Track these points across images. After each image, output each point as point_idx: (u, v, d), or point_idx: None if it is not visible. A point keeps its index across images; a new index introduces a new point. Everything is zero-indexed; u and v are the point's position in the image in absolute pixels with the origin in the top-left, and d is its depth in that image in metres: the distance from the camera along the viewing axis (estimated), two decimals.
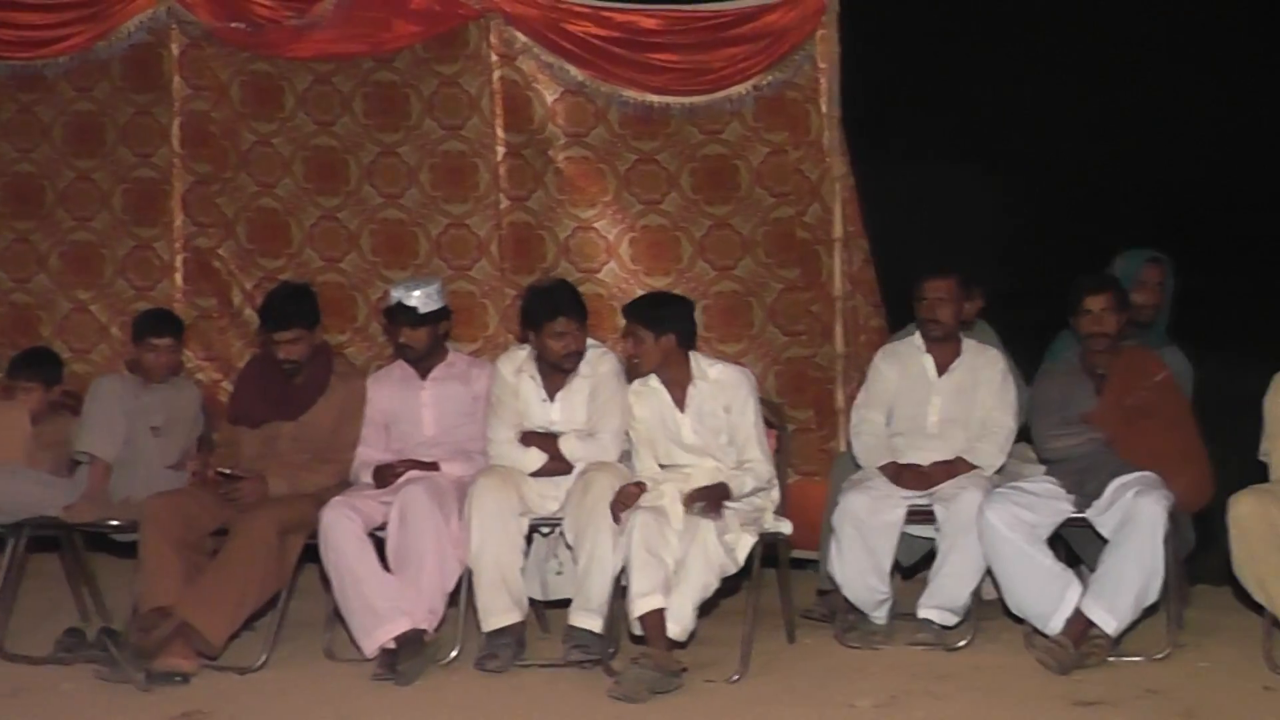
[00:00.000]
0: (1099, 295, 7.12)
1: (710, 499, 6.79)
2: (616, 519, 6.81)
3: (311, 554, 7.17)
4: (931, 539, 7.26)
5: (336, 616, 7.11)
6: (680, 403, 7.11)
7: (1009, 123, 16.86)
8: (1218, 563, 7.17)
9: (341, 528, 6.96)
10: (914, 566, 7.62)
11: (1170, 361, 7.30)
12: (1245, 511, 6.73)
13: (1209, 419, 7.28)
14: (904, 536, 7.28)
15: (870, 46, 8.38)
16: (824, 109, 8.09)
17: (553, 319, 7.12)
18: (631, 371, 7.24)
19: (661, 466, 7.14)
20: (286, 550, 7.11)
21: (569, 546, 7.06)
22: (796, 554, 7.61)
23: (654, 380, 7.13)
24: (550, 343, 7.14)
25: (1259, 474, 7.05)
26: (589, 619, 6.86)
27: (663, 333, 7.01)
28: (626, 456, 7.22)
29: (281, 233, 8.51)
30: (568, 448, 7.18)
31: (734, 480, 6.92)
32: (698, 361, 7.13)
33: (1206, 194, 17.42)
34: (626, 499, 6.85)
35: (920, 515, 7.19)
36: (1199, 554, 7.43)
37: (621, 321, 7.50)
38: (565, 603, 7.11)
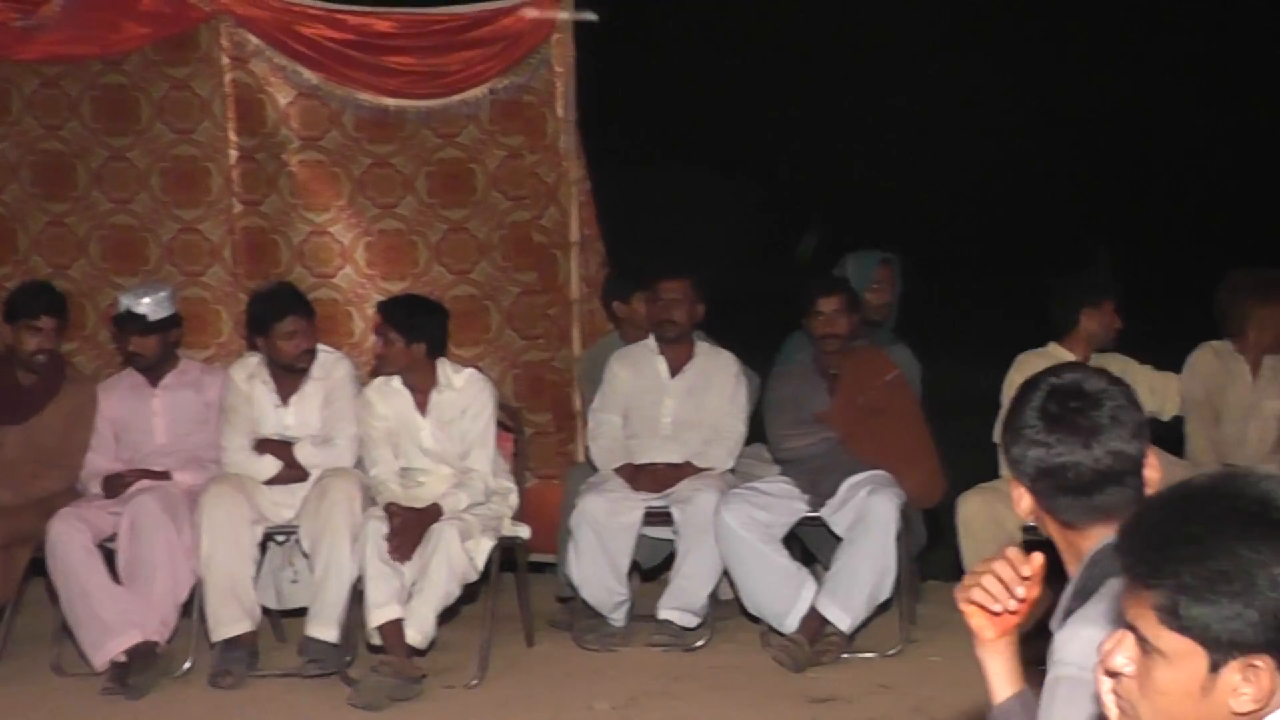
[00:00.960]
0: (831, 297, 7.22)
1: (406, 542, 6.74)
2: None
3: (39, 567, 6.97)
4: (672, 540, 7.30)
5: (65, 630, 6.92)
6: (422, 407, 7.06)
7: (744, 127, 17.10)
8: (948, 559, 7.35)
9: (69, 539, 6.77)
10: (656, 569, 7.67)
11: (899, 360, 7.45)
12: (973, 510, 6.91)
13: (939, 417, 7.45)
14: (645, 539, 7.32)
15: (606, 51, 8.41)
16: (560, 113, 8.09)
17: (280, 319, 7.03)
18: (375, 367, 7.19)
19: (401, 470, 7.08)
20: (12, 562, 6.90)
21: (305, 555, 6.96)
22: (536, 558, 7.62)
23: (396, 382, 7.07)
24: (281, 344, 7.05)
25: (989, 471, 7.23)
26: (326, 629, 6.78)
27: (415, 340, 6.96)
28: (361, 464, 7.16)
29: (8, 239, 8.23)
30: (303, 455, 7.08)
31: (448, 499, 6.88)
32: (444, 369, 7.09)
33: (933, 196, 17.87)
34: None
35: (659, 517, 7.24)
36: (930, 550, 7.61)
37: (358, 326, 7.41)
38: (301, 611, 7.01)
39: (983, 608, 2.81)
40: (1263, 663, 2.18)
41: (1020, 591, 2.75)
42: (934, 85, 18.07)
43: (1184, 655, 2.21)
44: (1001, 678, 2.86)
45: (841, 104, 17.91)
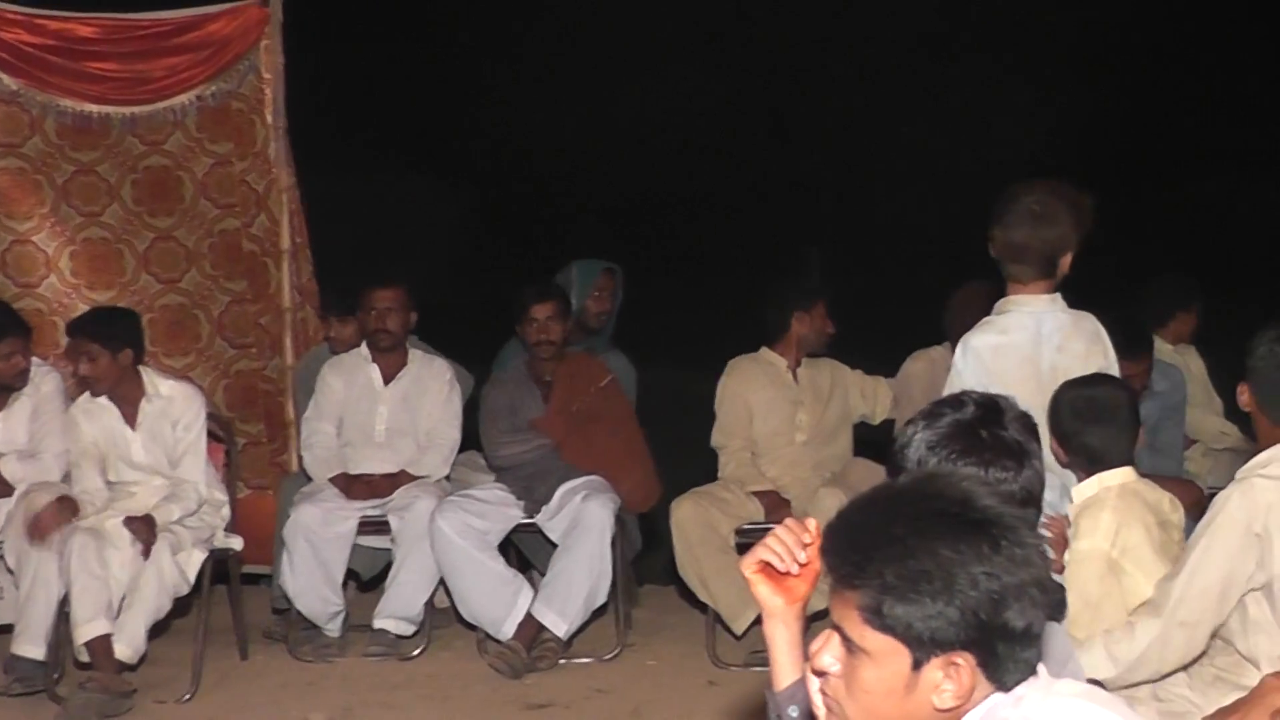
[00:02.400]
0: (545, 304, 7.25)
1: (144, 533, 6.65)
2: (35, 540, 6.57)
3: None
4: (390, 549, 7.27)
5: None
6: (131, 420, 6.91)
7: (462, 135, 17.06)
8: (663, 563, 7.44)
9: None
10: (375, 578, 7.62)
11: (615, 367, 7.52)
12: (686, 514, 7.00)
13: (652, 422, 7.54)
14: (363, 549, 7.28)
15: (317, 57, 8.34)
16: (269, 120, 8.00)
17: None
18: (79, 388, 7.02)
19: (109, 484, 6.93)
20: None
21: (10, 571, 6.77)
22: (250, 569, 7.52)
23: (103, 398, 6.91)
24: None
25: (702, 475, 7.35)
26: (32, 646, 6.60)
27: (120, 349, 6.81)
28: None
29: None
30: (8, 469, 6.89)
31: (161, 511, 6.77)
32: (150, 377, 6.96)
33: (647, 207, 18.03)
34: (44, 524, 6.60)
35: (375, 526, 7.20)
36: (645, 555, 7.69)
37: (65, 337, 7.23)
38: (7, 629, 6.82)
39: (769, 571, 2.77)
40: (963, 660, 2.27)
41: (802, 556, 2.75)
42: (652, 93, 18.24)
43: (887, 654, 2.28)
44: (786, 655, 2.83)
45: (561, 112, 17.99)
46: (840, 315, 7.41)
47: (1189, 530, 4.52)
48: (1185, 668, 4.31)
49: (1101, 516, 4.54)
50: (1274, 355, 4.21)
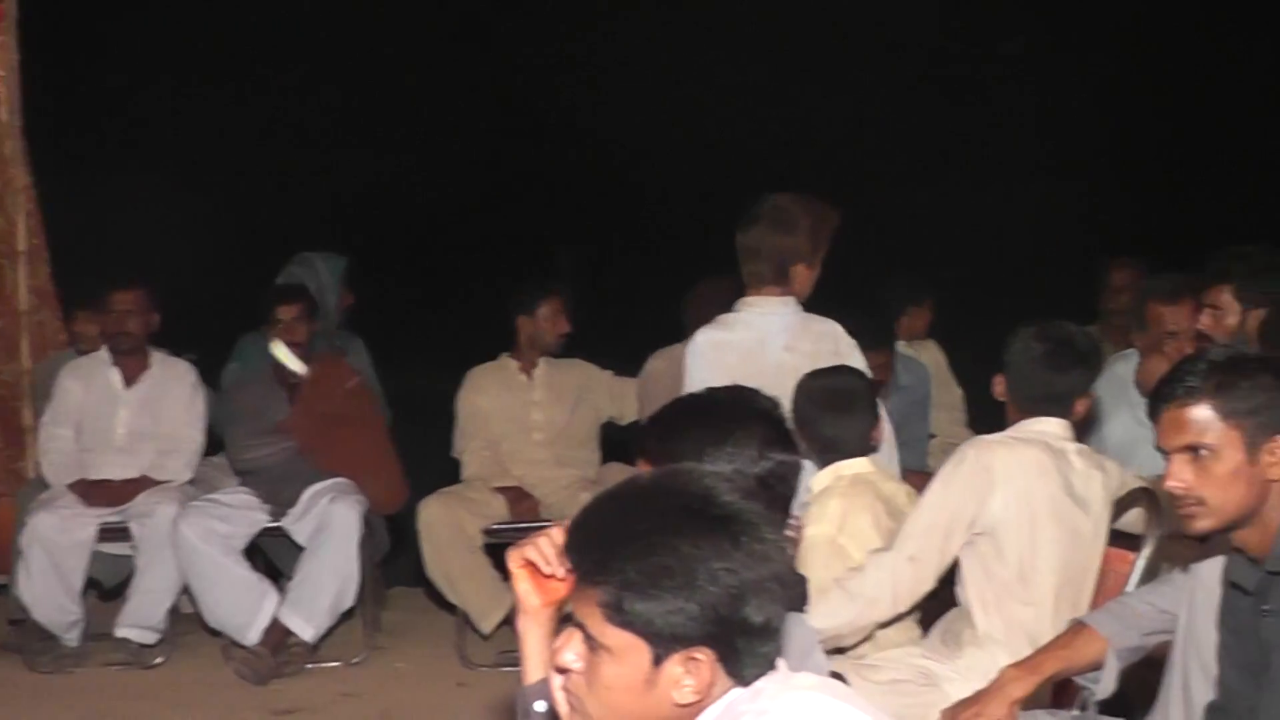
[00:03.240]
0: (291, 305, 7.18)
1: None
2: None
3: None
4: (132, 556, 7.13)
5: None
6: None
7: (195, 134, 16.77)
8: (411, 564, 7.41)
9: None
10: (120, 586, 7.45)
11: (353, 351, 7.51)
12: (434, 514, 6.98)
13: (397, 423, 7.51)
14: (106, 556, 7.12)
15: (54, 55, 8.14)
16: (4, 118, 7.79)
17: None
18: None
19: None
20: None
21: None
22: None
23: None
24: None
25: (448, 476, 7.33)
26: None
27: None
28: None
29: None
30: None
31: None
32: None
33: (387, 204, 17.89)
34: None
35: (116, 533, 7.05)
36: (393, 556, 7.65)
37: None
38: None
39: (532, 569, 2.76)
40: (703, 655, 2.29)
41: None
42: (388, 88, 18.12)
43: (628, 650, 2.30)
44: (536, 653, 2.81)
45: (292, 112, 17.80)
46: (607, 314, 7.44)
47: None
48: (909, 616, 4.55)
49: (829, 504, 4.72)
50: (1028, 350, 4.52)
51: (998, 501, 4.40)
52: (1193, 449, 3.34)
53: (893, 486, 4.89)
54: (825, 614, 4.38)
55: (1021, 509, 4.42)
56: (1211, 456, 3.32)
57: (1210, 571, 3.67)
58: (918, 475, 7.03)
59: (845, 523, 4.67)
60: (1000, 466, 4.41)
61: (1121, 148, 16.35)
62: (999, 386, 4.62)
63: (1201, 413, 3.33)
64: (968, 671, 4.36)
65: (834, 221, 5.44)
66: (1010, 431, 4.57)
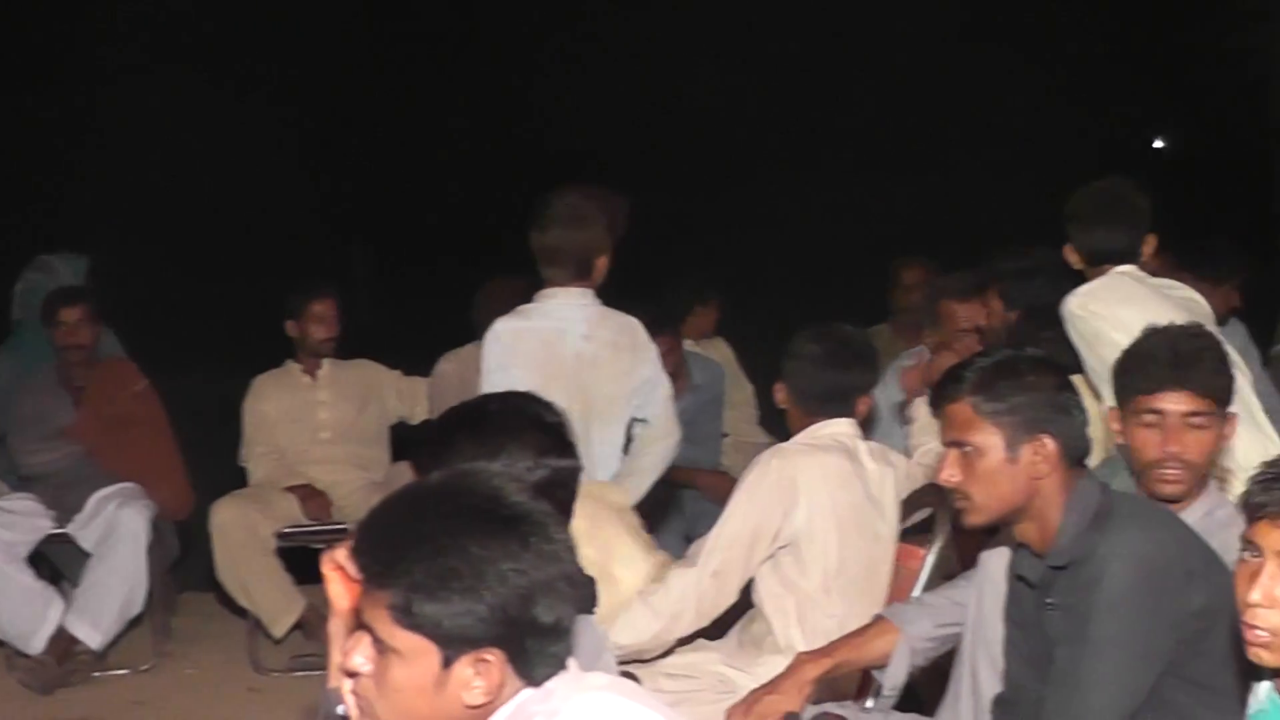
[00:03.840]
0: (73, 307, 7.04)
1: None
2: None
3: None
4: None
5: None
6: None
7: None
8: (202, 569, 7.29)
9: None
10: None
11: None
12: (226, 517, 6.88)
13: (182, 426, 7.39)
14: None
15: None
16: None
17: None
18: None
19: None
20: None
21: None
22: None
23: None
24: None
25: (235, 479, 7.24)
26: None
27: None
28: None
29: None
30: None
31: None
32: None
33: (154, 202, 17.60)
34: None
35: None
36: (183, 561, 7.52)
37: None
38: None
39: (345, 573, 2.71)
40: (493, 656, 2.28)
41: None
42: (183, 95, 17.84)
43: (418, 652, 2.28)
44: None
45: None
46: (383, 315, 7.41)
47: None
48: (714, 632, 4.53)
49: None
50: (807, 352, 4.58)
51: (802, 514, 4.42)
52: (960, 445, 3.44)
53: (601, 489, 4.88)
54: (627, 629, 4.39)
55: (826, 520, 4.45)
56: (975, 453, 3.42)
57: (997, 564, 3.75)
58: (713, 474, 7.10)
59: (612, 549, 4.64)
60: (804, 478, 4.44)
61: (909, 149, 16.64)
62: (780, 394, 4.67)
63: (964, 410, 3.44)
64: (767, 679, 4.36)
65: (625, 209, 5.47)
66: (806, 438, 4.59)
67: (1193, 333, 3.97)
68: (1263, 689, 2.79)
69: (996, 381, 3.43)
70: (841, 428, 4.58)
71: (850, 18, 16.32)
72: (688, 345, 7.29)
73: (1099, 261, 5.00)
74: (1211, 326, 4.83)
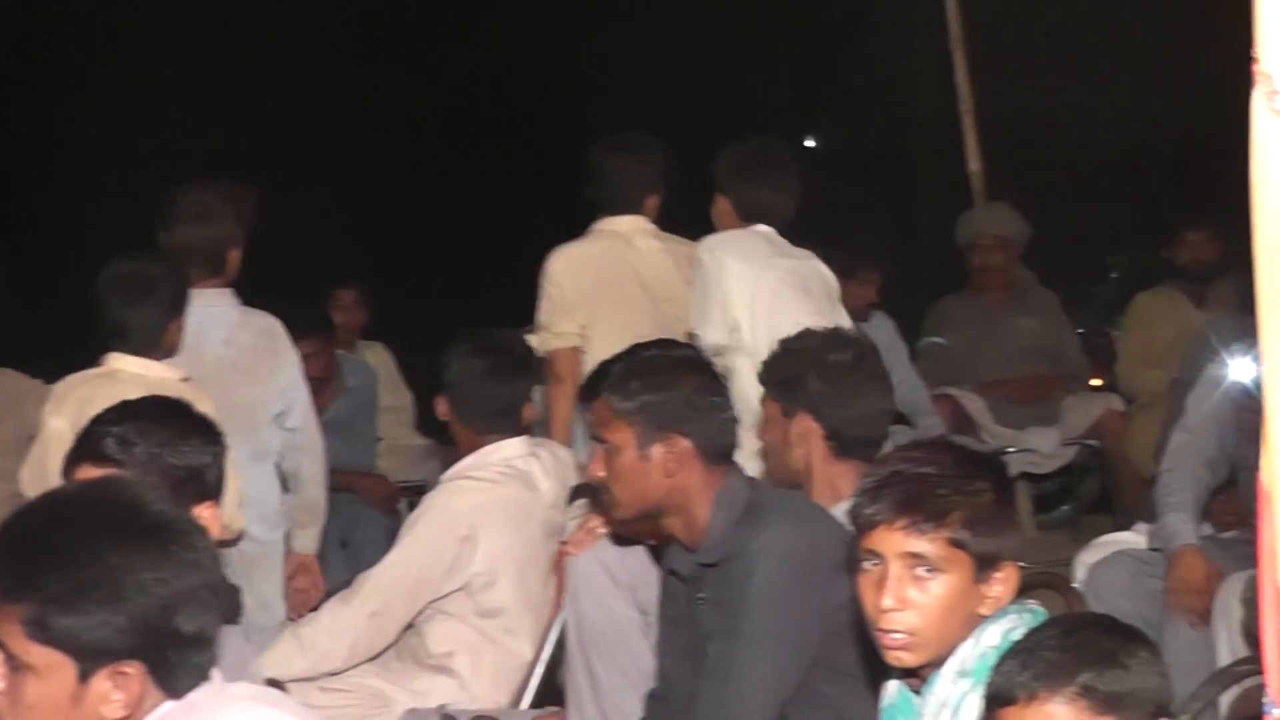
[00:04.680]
0: None
1: None
2: None
3: None
4: None
5: None
6: None
7: None
8: None
9: None
10: None
11: None
12: None
13: None
14: None
15: None
16: None
17: None
18: None
19: None
20: None
21: None
22: None
23: None
24: None
25: None
26: None
27: None
28: None
29: None
30: None
31: None
32: None
33: None
34: None
35: None
36: None
37: None
38: None
39: None
40: (132, 669, 2.21)
41: None
42: None
43: (52, 667, 2.19)
44: None
45: None
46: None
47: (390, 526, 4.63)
48: (375, 657, 4.40)
49: (68, 396, 4.51)
50: (470, 367, 4.45)
51: (481, 558, 4.29)
52: (602, 441, 3.50)
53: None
54: (276, 664, 4.16)
55: (505, 563, 4.34)
56: (614, 450, 3.48)
57: (586, 565, 3.82)
58: (369, 476, 7.01)
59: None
60: (480, 520, 4.30)
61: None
62: (442, 407, 4.54)
63: (603, 408, 3.50)
64: (423, 696, 4.30)
65: (251, 201, 5.37)
66: (481, 470, 4.43)
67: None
68: (893, 684, 2.85)
69: (630, 380, 3.48)
70: (513, 449, 4.46)
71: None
72: (342, 352, 7.18)
73: (752, 218, 5.12)
74: (833, 303, 5.06)
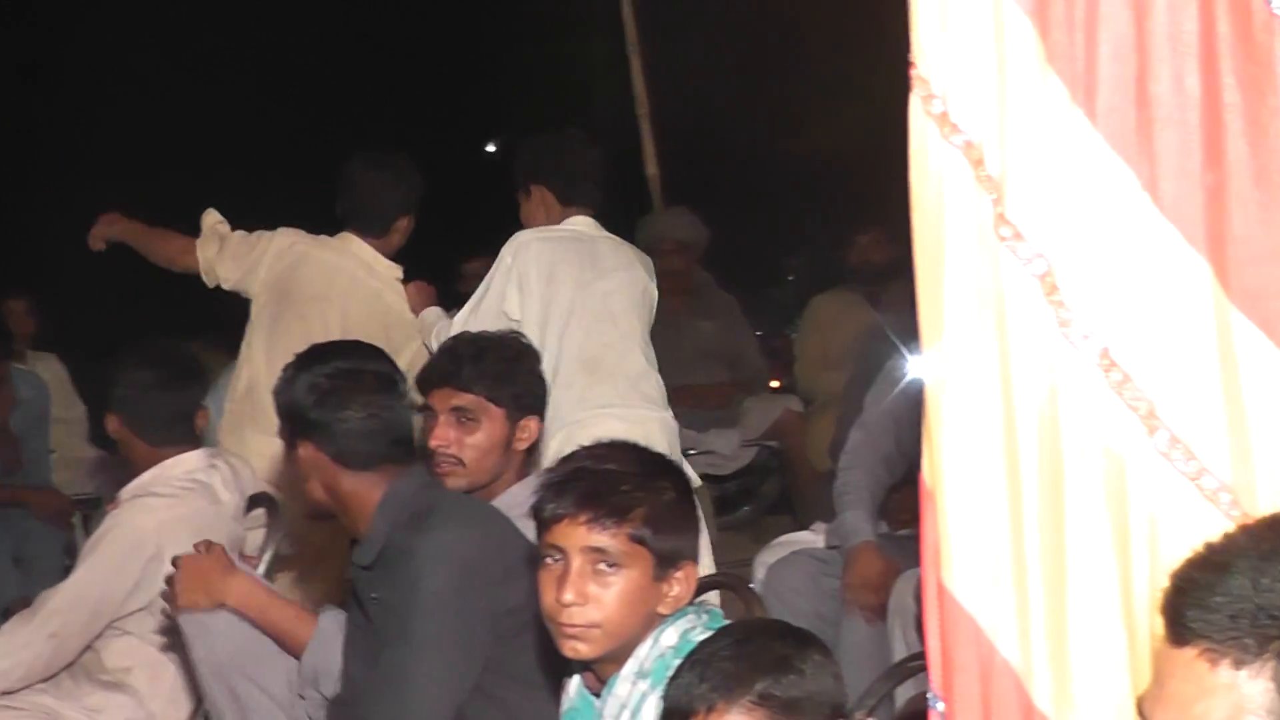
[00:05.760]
0: None
1: None
2: None
3: None
4: None
5: None
6: None
7: None
8: None
9: None
10: None
11: None
12: None
13: None
14: None
15: None
16: None
17: None
18: None
19: None
20: None
21: None
22: None
23: None
24: None
25: None
26: None
27: None
28: None
29: None
30: None
31: None
32: None
33: None
34: None
35: None
36: None
37: None
38: None
39: None
40: None
41: None
42: None
43: None
44: None
45: None
46: None
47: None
48: (50, 677, 4.29)
49: None
50: (139, 381, 4.37)
51: (166, 575, 4.09)
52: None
53: None
54: None
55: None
56: (288, 452, 3.59)
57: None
58: (42, 491, 6.82)
59: None
60: (166, 537, 4.20)
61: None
62: (113, 424, 4.42)
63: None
64: (96, 713, 4.23)
65: None
66: (159, 484, 4.34)
67: (484, 336, 4.18)
68: (573, 685, 2.86)
69: (279, 389, 3.59)
70: (194, 462, 4.41)
71: None
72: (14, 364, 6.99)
73: (572, 208, 5.20)
74: None
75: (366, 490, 3.49)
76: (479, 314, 4.92)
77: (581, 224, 5.11)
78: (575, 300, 4.91)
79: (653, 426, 4.81)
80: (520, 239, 5.00)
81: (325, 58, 13.90)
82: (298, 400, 3.53)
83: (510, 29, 14.45)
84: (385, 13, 13.72)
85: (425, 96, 13.79)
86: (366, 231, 5.48)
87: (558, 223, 5.11)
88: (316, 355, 3.65)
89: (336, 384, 3.52)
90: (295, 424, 3.53)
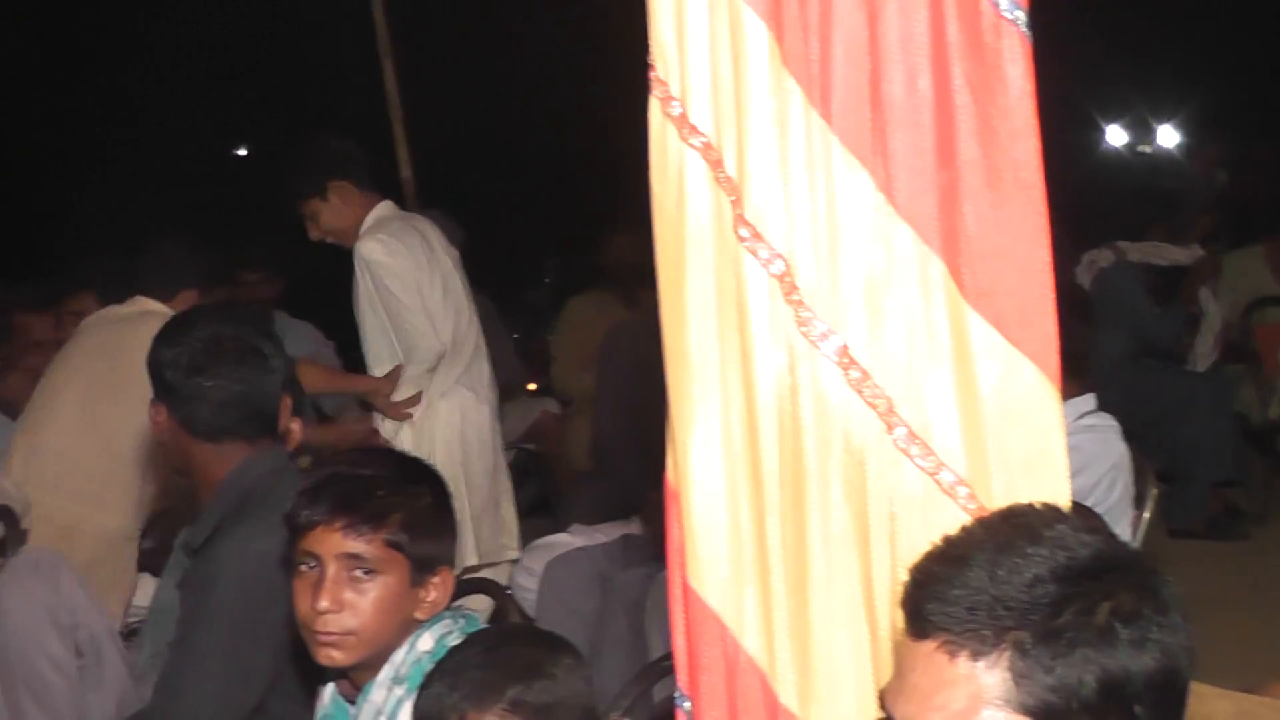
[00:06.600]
0: None
1: None
2: None
3: None
4: None
5: None
6: None
7: None
8: None
9: None
10: None
11: None
12: None
13: None
14: None
15: None
16: None
17: None
18: None
19: None
20: None
21: None
22: None
23: None
24: None
25: None
26: None
27: None
28: None
29: None
30: None
31: None
32: None
33: None
34: None
35: None
36: None
37: None
38: None
39: None
40: None
41: None
42: None
43: None
44: None
45: None
46: None
47: None
48: None
49: None
50: None
51: None
52: None
53: None
54: None
55: None
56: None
57: None
58: None
59: None
60: None
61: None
62: None
63: None
64: None
65: None
66: None
67: None
68: (328, 692, 2.83)
69: (151, 348, 3.39)
70: None
71: None
72: None
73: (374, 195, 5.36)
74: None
75: (214, 463, 3.32)
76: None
77: (387, 208, 5.20)
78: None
79: None
80: (373, 245, 5.10)
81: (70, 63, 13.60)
82: (159, 360, 3.36)
83: (259, 29, 14.24)
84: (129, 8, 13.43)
85: (168, 102, 13.50)
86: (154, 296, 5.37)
87: (365, 211, 5.17)
88: (188, 318, 3.52)
89: (195, 349, 3.34)
90: (154, 384, 3.36)
